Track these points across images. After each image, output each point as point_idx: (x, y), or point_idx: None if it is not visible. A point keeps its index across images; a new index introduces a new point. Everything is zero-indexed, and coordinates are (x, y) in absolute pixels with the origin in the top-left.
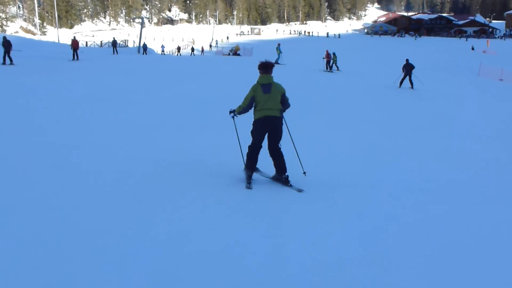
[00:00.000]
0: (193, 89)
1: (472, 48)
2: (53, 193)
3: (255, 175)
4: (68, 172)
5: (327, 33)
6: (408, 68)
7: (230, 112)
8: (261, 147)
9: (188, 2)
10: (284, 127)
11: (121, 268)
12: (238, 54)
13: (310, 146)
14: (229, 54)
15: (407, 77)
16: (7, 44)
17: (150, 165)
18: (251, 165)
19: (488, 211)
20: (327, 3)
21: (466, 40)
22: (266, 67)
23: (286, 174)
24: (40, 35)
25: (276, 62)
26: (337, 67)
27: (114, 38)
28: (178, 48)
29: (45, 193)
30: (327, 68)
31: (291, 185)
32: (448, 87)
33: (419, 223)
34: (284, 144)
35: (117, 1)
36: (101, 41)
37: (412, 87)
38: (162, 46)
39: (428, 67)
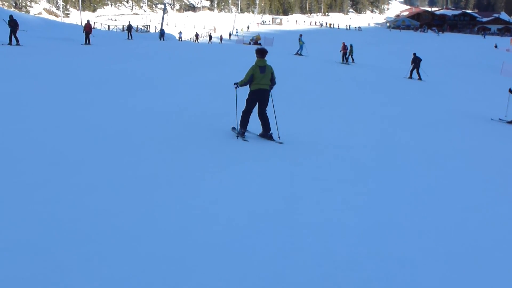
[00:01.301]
0: (211, 77)
1: (495, 46)
2: (71, 175)
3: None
4: (84, 157)
5: (349, 25)
6: (416, 61)
7: (234, 83)
8: (251, 112)
9: None
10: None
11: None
12: (259, 44)
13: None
14: (249, 43)
15: (416, 70)
16: (13, 24)
17: (169, 142)
18: (244, 124)
19: (494, 213)
20: None
21: (484, 37)
22: (262, 53)
23: (270, 132)
24: (63, 17)
25: (298, 53)
26: (353, 59)
27: (129, 22)
28: (196, 35)
29: (62, 176)
30: (343, 60)
31: (274, 140)
32: (468, 84)
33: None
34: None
35: None
36: (123, 26)
37: (419, 79)
38: (180, 33)
39: (450, 64)
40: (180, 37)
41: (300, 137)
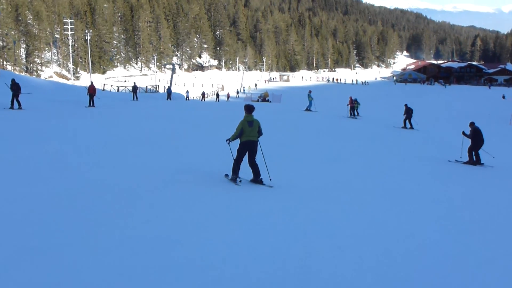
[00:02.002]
0: (217, 136)
1: (503, 97)
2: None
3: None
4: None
5: (356, 80)
6: (408, 112)
7: (227, 140)
8: (242, 160)
9: (218, 48)
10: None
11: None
12: (268, 101)
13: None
14: (258, 101)
15: (408, 120)
16: (15, 88)
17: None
18: (236, 171)
19: None
20: (356, 50)
21: (489, 88)
22: (250, 110)
23: (261, 177)
24: (74, 80)
25: (308, 109)
26: (358, 113)
27: (134, 83)
28: (203, 94)
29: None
30: (351, 115)
31: (264, 184)
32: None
33: None
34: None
35: (149, 47)
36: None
37: (411, 128)
38: (187, 92)
39: (459, 116)
40: (187, 96)
41: (295, 183)
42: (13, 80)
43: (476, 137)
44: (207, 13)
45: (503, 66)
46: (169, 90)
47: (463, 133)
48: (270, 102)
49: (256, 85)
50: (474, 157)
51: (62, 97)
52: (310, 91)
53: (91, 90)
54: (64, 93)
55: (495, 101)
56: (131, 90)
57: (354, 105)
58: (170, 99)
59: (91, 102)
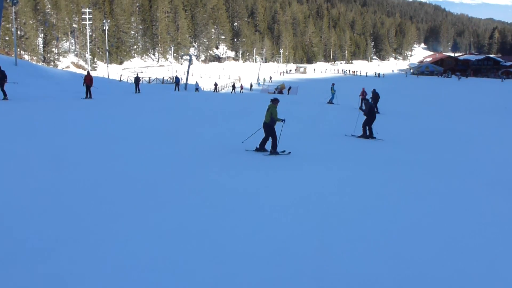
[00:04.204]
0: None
1: None
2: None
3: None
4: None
5: (374, 72)
6: (376, 97)
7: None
8: (265, 137)
9: (235, 40)
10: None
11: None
12: (288, 89)
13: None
14: (274, 92)
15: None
16: (0, 76)
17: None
18: (260, 144)
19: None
20: (373, 42)
21: (502, 81)
22: (273, 101)
23: (269, 150)
24: (91, 70)
25: (330, 102)
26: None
27: (137, 74)
28: (215, 85)
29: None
30: (361, 105)
31: (264, 154)
32: (492, 128)
33: None
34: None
35: (166, 38)
36: (149, 78)
37: (377, 112)
38: (196, 83)
39: (473, 108)
40: (197, 88)
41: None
42: None
43: (370, 113)
44: (225, 4)
45: None
46: (177, 79)
47: (360, 109)
48: (289, 94)
49: (271, 78)
50: (367, 131)
51: (68, 87)
52: (333, 84)
53: (88, 80)
54: (72, 83)
55: (504, 93)
56: (149, 81)
57: (365, 97)
58: (179, 90)
59: (88, 94)
